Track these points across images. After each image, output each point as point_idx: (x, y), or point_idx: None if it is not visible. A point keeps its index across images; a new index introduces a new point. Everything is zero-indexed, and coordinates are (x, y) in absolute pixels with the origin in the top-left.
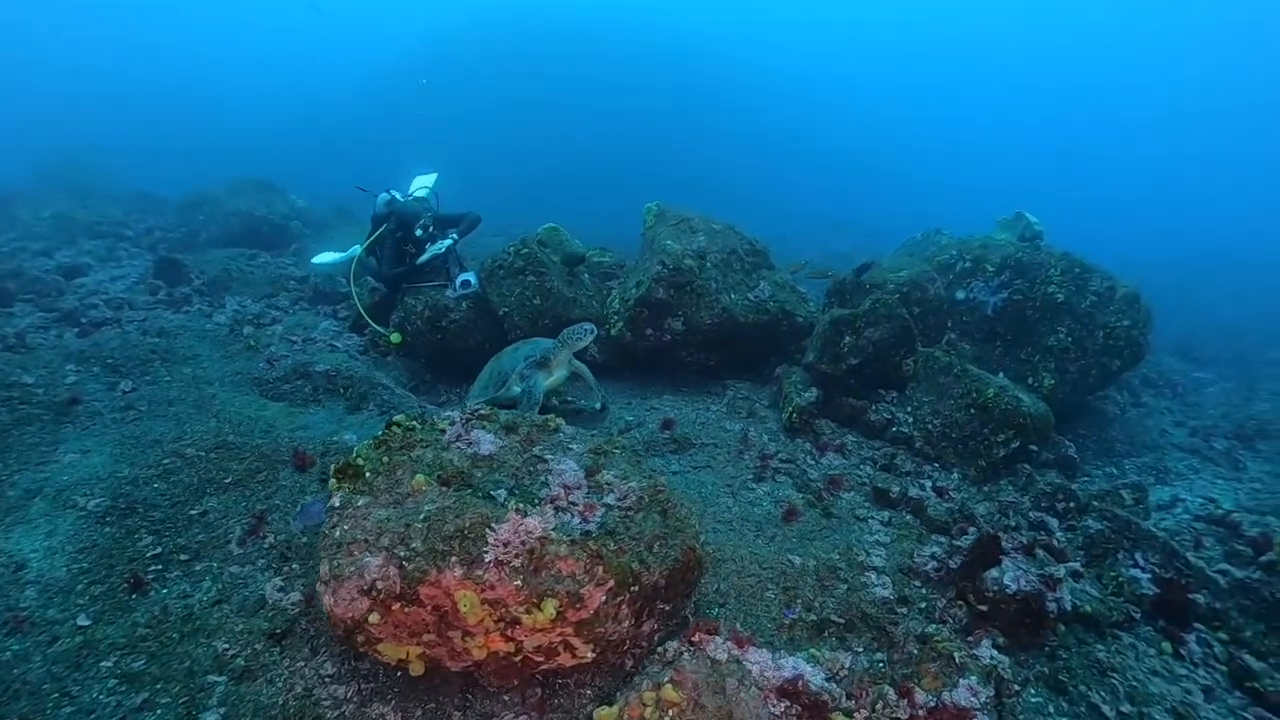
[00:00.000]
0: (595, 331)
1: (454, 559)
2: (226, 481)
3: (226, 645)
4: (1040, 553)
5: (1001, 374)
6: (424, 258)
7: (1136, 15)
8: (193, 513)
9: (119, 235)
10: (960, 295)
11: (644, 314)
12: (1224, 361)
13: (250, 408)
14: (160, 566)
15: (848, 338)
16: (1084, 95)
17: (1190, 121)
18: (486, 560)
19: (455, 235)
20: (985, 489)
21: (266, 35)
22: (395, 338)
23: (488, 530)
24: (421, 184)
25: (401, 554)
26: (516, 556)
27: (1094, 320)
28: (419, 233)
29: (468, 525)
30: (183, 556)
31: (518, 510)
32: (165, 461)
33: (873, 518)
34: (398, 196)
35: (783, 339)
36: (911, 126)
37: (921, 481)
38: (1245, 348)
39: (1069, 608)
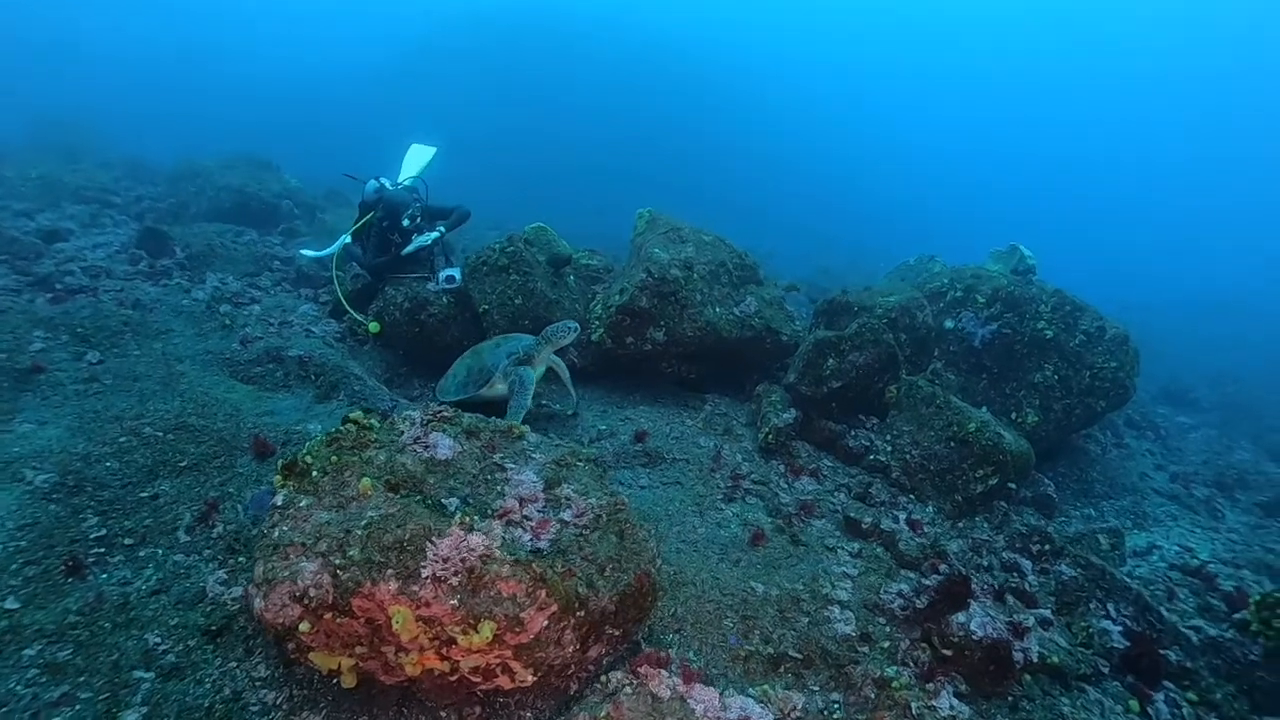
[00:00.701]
0: (579, 330)
1: (390, 572)
2: (182, 465)
3: (159, 639)
4: (1010, 599)
5: (985, 408)
6: (409, 248)
7: (1147, 46)
8: (143, 495)
9: (105, 202)
10: (949, 324)
11: (626, 321)
12: (1208, 407)
13: (218, 389)
14: (103, 550)
15: (831, 360)
16: (1091, 132)
17: (1191, 167)
18: (423, 576)
19: (443, 228)
20: (960, 525)
21: (277, 8)
22: (373, 327)
23: (428, 544)
24: (418, 157)
25: (337, 562)
26: (455, 574)
27: (1082, 360)
28: (406, 223)
29: (408, 537)
30: (127, 541)
31: (463, 524)
32: (121, 439)
33: (842, 548)
34: (387, 185)
35: (766, 356)
36: (912, 148)
37: (896, 513)
38: (1231, 394)
39: (1035, 658)
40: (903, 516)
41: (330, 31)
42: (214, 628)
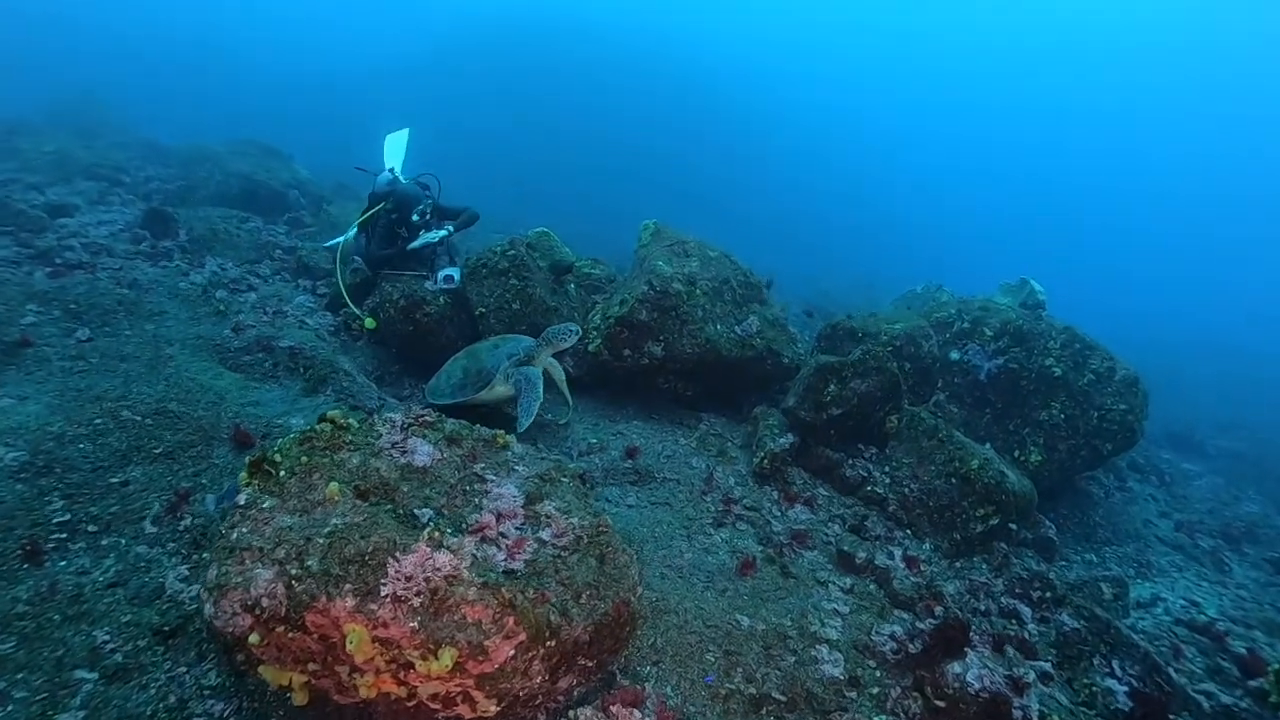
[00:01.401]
0: (579, 333)
1: (348, 587)
2: (156, 451)
3: (108, 637)
4: (1010, 649)
5: (989, 444)
6: (416, 243)
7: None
8: (114, 480)
9: (115, 180)
10: (954, 356)
11: (624, 334)
12: (1214, 455)
13: (205, 375)
14: (65, 536)
15: (832, 386)
16: (1111, 162)
17: (1210, 206)
18: (383, 594)
19: (451, 228)
20: (957, 564)
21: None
22: (369, 323)
23: (390, 560)
24: (396, 144)
25: (293, 571)
26: (417, 594)
27: (1090, 400)
28: (415, 218)
29: (370, 550)
30: (91, 528)
31: (431, 539)
32: (98, 421)
33: (834, 583)
34: (400, 178)
35: (765, 378)
36: (923, 171)
37: (891, 549)
38: (1239, 443)
39: (1035, 716)
40: (898, 553)
41: (349, 28)
42: (167, 628)
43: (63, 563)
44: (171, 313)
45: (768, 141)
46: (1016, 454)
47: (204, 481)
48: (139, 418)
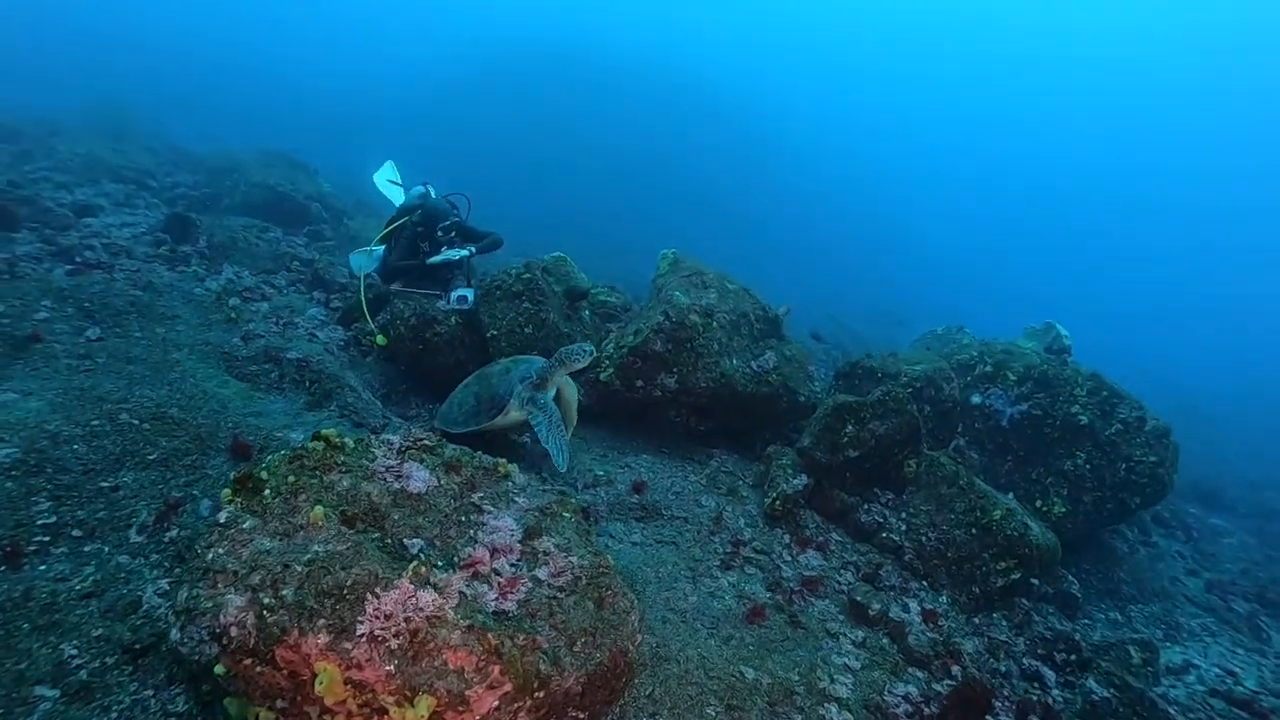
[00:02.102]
0: (594, 353)
1: (322, 621)
2: (151, 458)
3: (75, 652)
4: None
5: (1010, 493)
6: (438, 258)
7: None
8: (104, 485)
9: (142, 184)
10: (976, 400)
11: (637, 364)
12: (1244, 512)
13: (210, 382)
14: (48, 539)
15: (850, 427)
16: (1151, 202)
17: (1248, 252)
18: (359, 632)
19: (473, 249)
20: (975, 620)
21: (338, 13)
22: (380, 339)
23: (370, 595)
24: (389, 177)
25: (266, 601)
26: (396, 635)
27: (1117, 450)
28: (439, 233)
29: (350, 582)
30: (76, 533)
31: (416, 575)
32: (95, 423)
33: (845, 635)
34: (432, 192)
35: (780, 416)
36: (948, 215)
37: (906, 600)
38: (1269, 500)
39: None
40: (915, 605)
41: (378, 51)
42: (139, 645)
43: (42, 567)
44: (183, 318)
45: (799, 173)
46: (1038, 504)
47: (195, 492)
48: (137, 421)
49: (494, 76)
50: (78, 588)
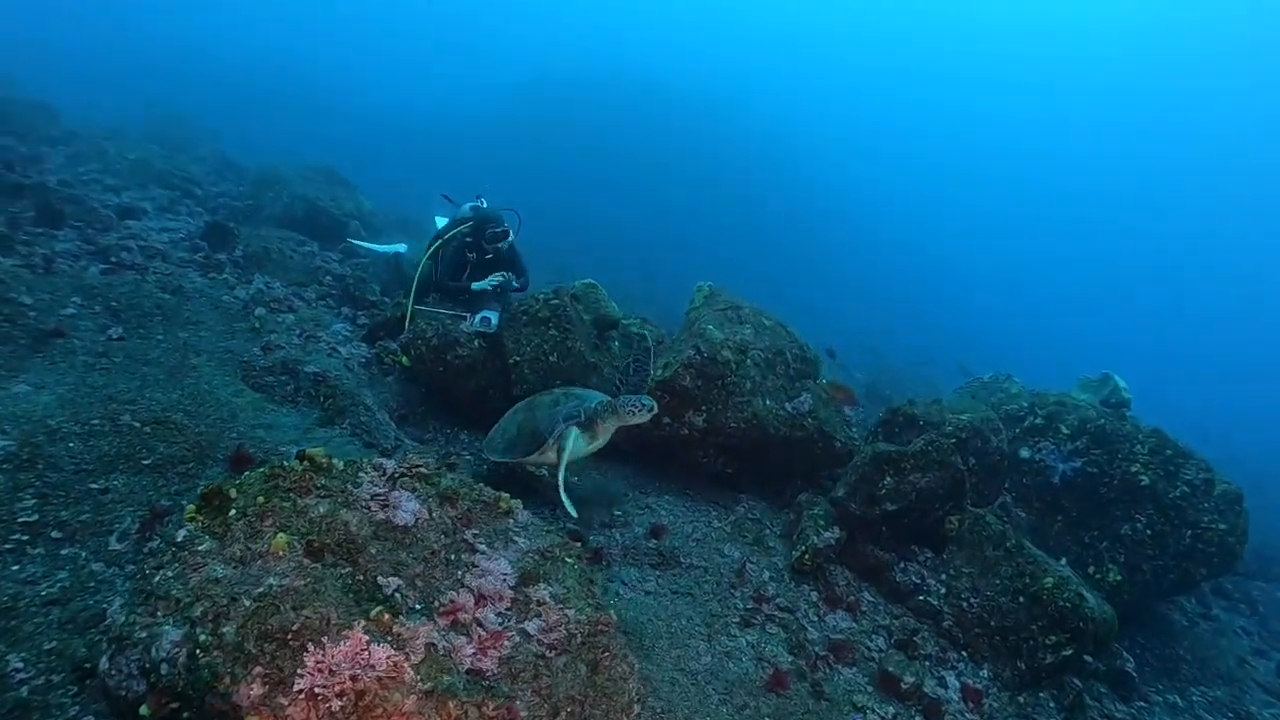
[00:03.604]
0: (654, 409)
1: (258, 670)
2: (145, 463)
3: (21, 665)
4: None
5: (1064, 559)
6: (481, 284)
7: None
8: (93, 486)
9: (187, 191)
10: (1025, 454)
11: (665, 400)
12: None
13: (224, 390)
14: (26, 538)
15: (889, 478)
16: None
17: None
18: (296, 688)
19: (511, 276)
20: (1020, 699)
21: (394, 33)
22: (404, 360)
23: (313, 644)
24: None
25: (202, 638)
26: (339, 695)
27: (1183, 516)
28: (485, 241)
29: (298, 626)
30: (55, 534)
31: (378, 622)
32: (95, 422)
33: (873, 710)
34: (484, 204)
35: (814, 462)
36: (993, 257)
37: (944, 673)
38: None
39: None
40: (953, 680)
41: (429, 73)
42: (89, 665)
43: (14, 567)
44: (208, 324)
45: (841, 210)
46: (1091, 570)
47: (184, 502)
48: (138, 424)
49: (535, 101)
50: (44, 593)
